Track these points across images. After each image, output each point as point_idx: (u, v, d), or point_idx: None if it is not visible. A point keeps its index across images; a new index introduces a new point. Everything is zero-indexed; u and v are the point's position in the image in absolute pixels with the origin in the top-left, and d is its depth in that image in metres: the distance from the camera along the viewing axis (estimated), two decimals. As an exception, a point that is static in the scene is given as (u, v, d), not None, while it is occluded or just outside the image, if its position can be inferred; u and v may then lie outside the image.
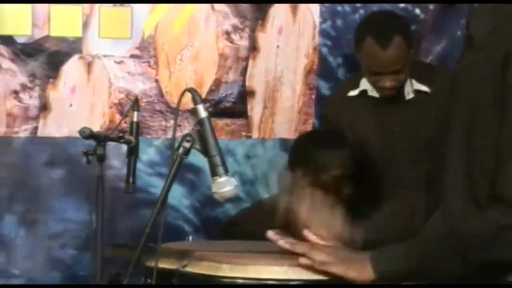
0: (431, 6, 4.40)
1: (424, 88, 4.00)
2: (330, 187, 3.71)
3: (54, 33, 4.17)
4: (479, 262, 2.30)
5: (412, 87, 4.00)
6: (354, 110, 4.03)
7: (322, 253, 2.41)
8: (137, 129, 2.98)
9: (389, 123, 4.03)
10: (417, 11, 4.44)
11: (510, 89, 2.25)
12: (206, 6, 4.26)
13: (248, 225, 3.72)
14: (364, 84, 4.01)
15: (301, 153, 3.92)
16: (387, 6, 4.36)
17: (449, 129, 2.43)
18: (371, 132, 4.03)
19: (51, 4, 4.14)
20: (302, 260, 2.40)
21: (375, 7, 4.41)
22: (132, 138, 2.95)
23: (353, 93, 4.05)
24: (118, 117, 4.13)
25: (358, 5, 4.39)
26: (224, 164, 2.57)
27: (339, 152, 3.87)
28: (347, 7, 4.38)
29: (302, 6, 4.35)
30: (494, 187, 2.27)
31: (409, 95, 4.01)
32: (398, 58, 3.90)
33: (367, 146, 4.01)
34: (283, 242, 2.48)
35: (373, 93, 4.00)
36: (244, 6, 4.29)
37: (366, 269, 2.36)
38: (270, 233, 2.53)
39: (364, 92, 4.02)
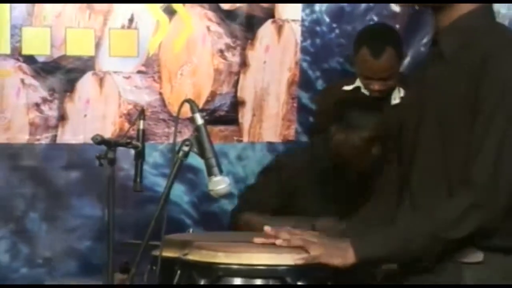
0: (398, 25, 4.40)
1: None
2: (359, 147, 3.59)
3: (70, 52, 4.16)
4: (451, 239, 2.30)
5: (399, 94, 4.00)
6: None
7: (315, 247, 2.40)
8: (143, 136, 2.97)
9: None
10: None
11: (482, 100, 2.28)
12: (203, 27, 4.26)
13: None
14: (359, 82, 4.02)
15: (338, 112, 3.76)
16: (359, 26, 4.36)
17: (421, 132, 2.43)
18: None
19: (67, 28, 4.13)
20: (298, 261, 2.39)
21: (349, 27, 4.41)
22: (139, 144, 2.94)
23: (347, 87, 4.05)
24: (126, 126, 4.11)
25: (334, 25, 4.40)
26: (218, 165, 2.57)
27: (370, 115, 3.66)
28: (324, 27, 4.39)
29: (286, 27, 4.35)
30: (463, 175, 2.28)
31: (395, 100, 4.01)
32: (388, 67, 3.91)
33: None
34: (280, 242, 2.46)
35: (365, 91, 4.00)
36: (236, 27, 4.29)
37: (349, 254, 2.35)
38: (267, 229, 2.52)
39: (357, 89, 4.02)
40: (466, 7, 2.40)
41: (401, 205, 2.49)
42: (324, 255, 2.37)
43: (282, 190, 3.68)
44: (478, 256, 2.34)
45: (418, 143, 2.43)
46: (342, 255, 2.35)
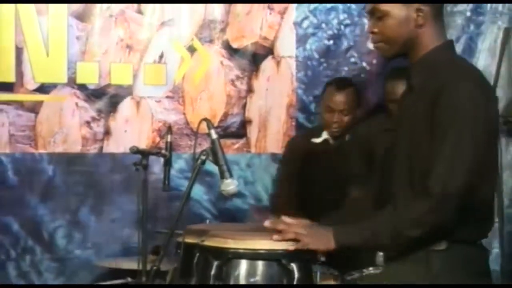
0: (374, 61, 4.39)
1: None
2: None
3: (114, 82, 4.16)
4: (408, 239, 2.28)
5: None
6: (314, 150, 3.92)
7: (305, 237, 2.39)
8: (171, 147, 2.98)
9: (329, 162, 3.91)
10: (364, 64, 4.41)
11: (437, 123, 2.25)
12: (217, 62, 4.25)
13: None
14: (325, 134, 3.93)
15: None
16: (342, 61, 4.35)
17: (395, 149, 2.41)
18: (320, 166, 3.92)
19: (111, 62, 4.13)
20: (292, 248, 2.37)
21: (334, 61, 4.40)
22: (167, 153, 2.95)
23: (316, 140, 3.93)
24: (157, 139, 4.11)
25: (322, 60, 4.38)
26: (229, 170, 2.55)
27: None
28: (314, 62, 4.37)
29: (283, 62, 4.34)
30: (421, 185, 2.26)
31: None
32: (348, 100, 3.86)
33: (316, 175, 3.91)
34: (276, 238, 2.43)
35: (330, 140, 3.90)
36: (243, 62, 4.28)
37: (330, 241, 2.33)
38: (267, 223, 2.51)
39: (326, 141, 3.90)
40: (430, 45, 2.35)
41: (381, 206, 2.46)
42: (312, 243, 2.36)
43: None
44: (442, 244, 2.30)
45: (396, 163, 2.41)
46: (325, 243, 2.33)
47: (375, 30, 2.37)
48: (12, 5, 4.01)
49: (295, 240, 2.38)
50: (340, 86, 3.89)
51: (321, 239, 2.34)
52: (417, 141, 2.30)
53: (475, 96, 2.25)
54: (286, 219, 2.46)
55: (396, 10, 2.33)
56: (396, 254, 2.33)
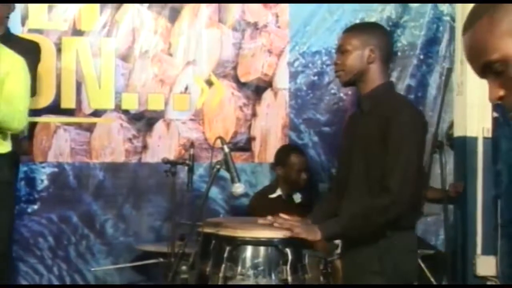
0: (350, 92, 4.37)
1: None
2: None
3: (150, 108, 4.15)
4: (375, 225, 2.28)
5: (299, 196, 3.95)
6: (272, 205, 3.81)
7: (297, 228, 2.38)
8: (193, 158, 2.97)
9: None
10: (341, 94, 4.36)
11: (390, 138, 2.29)
12: (229, 92, 4.24)
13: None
14: (279, 191, 3.91)
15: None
16: (325, 93, 4.33)
17: (352, 158, 2.42)
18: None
19: (148, 93, 4.13)
20: (287, 235, 2.37)
21: (318, 92, 4.38)
22: (190, 163, 2.94)
23: (272, 195, 3.91)
24: (183, 152, 4.10)
25: (309, 91, 4.37)
26: (238, 176, 2.55)
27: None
28: (303, 92, 4.37)
29: (279, 93, 4.33)
30: (382, 184, 2.27)
31: (297, 200, 3.93)
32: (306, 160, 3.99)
33: None
34: (276, 225, 2.43)
35: (284, 197, 3.86)
36: (249, 93, 4.28)
37: (317, 233, 2.34)
38: (269, 218, 2.50)
39: (279, 196, 3.88)
40: (375, 83, 2.44)
41: (342, 203, 2.46)
42: (302, 233, 2.36)
43: None
44: (387, 232, 2.33)
45: (351, 165, 2.43)
46: (313, 233, 2.35)
47: (338, 62, 2.47)
48: (74, 50, 4.03)
49: (290, 230, 2.38)
50: (300, 149, 3.98)
51: (310, 231, 2.35)
52: (371, 152, 2.34)
53: (416, 119, 2.34)
54: (283, 217, 2.46)
55: (356, 49, 2.41)
56: (355, 241, 2.33)
